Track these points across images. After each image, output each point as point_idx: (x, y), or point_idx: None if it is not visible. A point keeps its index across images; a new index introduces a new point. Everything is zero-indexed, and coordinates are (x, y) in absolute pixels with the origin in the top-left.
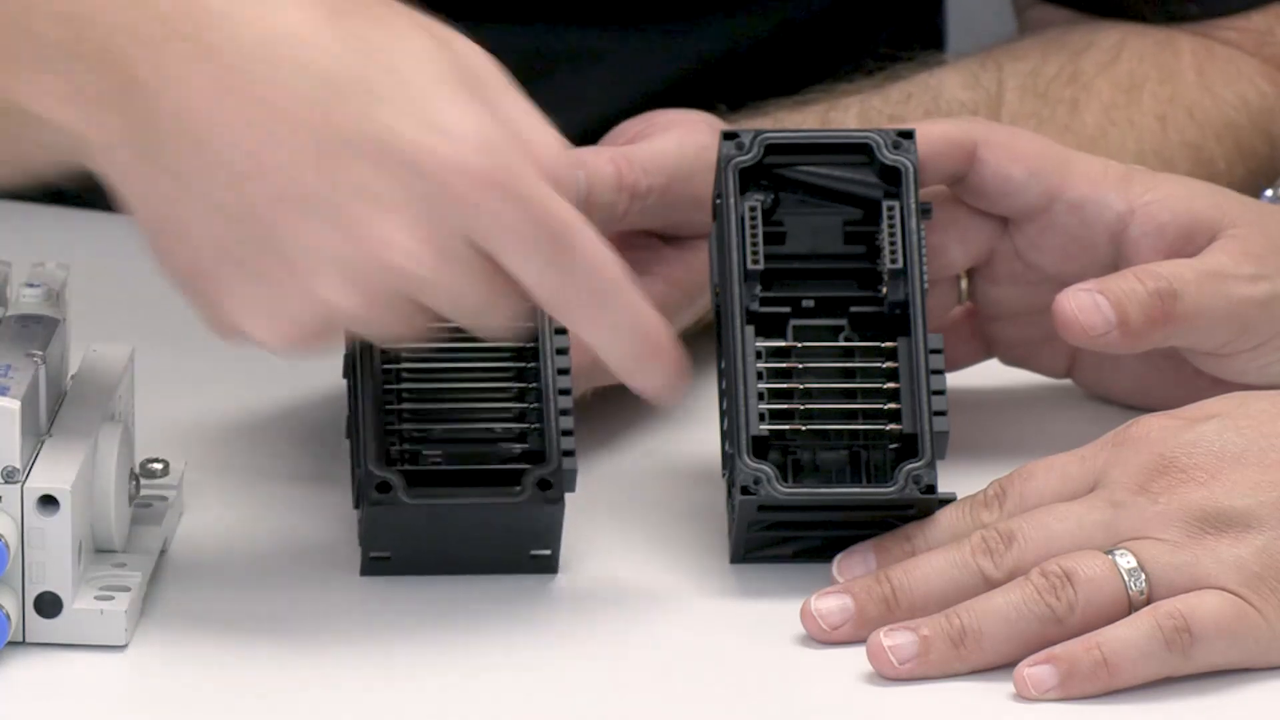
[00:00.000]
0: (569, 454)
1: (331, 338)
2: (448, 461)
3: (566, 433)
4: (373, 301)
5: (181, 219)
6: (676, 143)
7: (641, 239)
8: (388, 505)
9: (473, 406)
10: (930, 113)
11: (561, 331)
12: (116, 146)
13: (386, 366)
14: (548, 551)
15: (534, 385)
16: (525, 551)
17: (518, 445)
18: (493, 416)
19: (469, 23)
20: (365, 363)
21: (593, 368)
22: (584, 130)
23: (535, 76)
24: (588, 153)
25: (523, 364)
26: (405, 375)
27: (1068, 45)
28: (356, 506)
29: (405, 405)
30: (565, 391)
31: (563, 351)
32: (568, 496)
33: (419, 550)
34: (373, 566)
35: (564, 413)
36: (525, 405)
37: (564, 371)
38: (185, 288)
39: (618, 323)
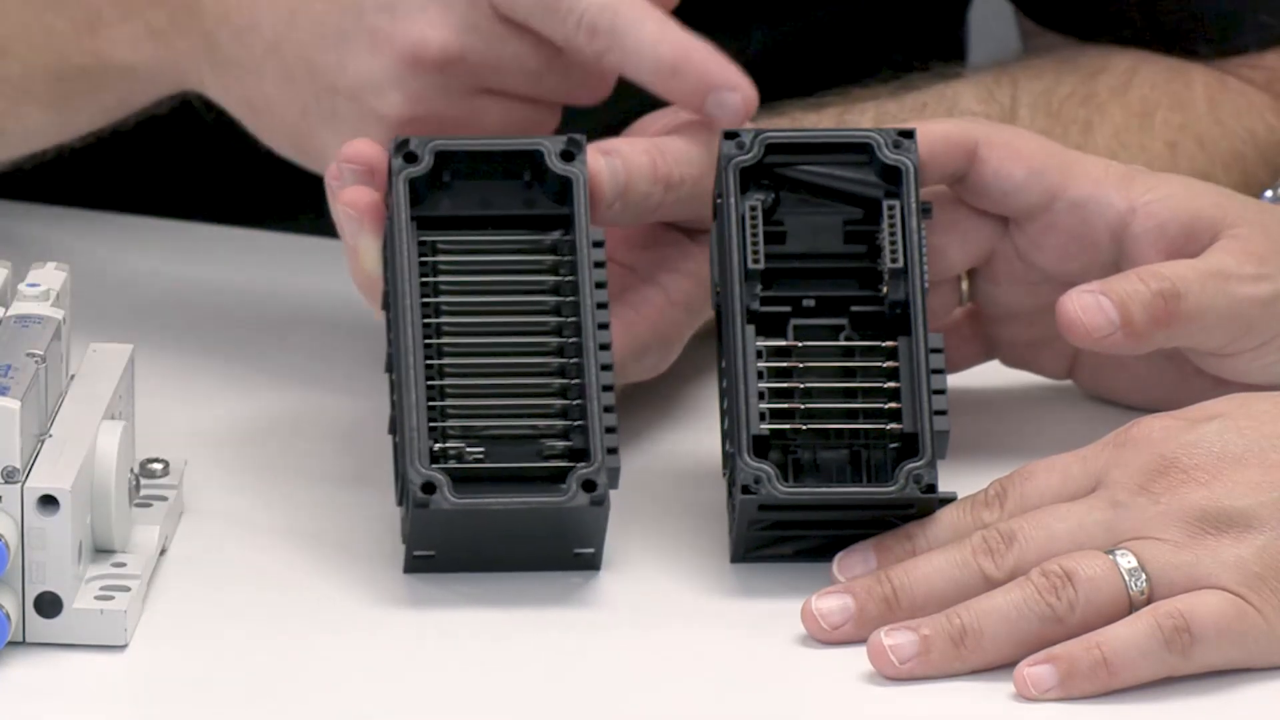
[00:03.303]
0: (613, 451)
1: (425, 131)
2: (491, 460)
3: (610, 430)
4: (435, 99)
5: (265, 100)
6: (706, 134)
7: (669, 235)
8: (433, 507)
9: (516, 404)
10: None
11: (604, 327)
12: (197, 64)
13: (429, 363)
14: (591, 549)
15: (577, 381)
16: (569, 550)
17: (561, 443)
18: (536, 414)
19: None
20: (408, 359)
21: None
22: (609, 124)
23: None
24: (622, 143)
25: (565, 360)
26: (448, 372)
27: (1081, 66)
28: (400, 504)
29: (449, 402)
30: (608, 388)
31: (605, 347)
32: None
33: (463, 549)
34: (417, 564)
35: (608, 410)
36: (568, 402)
37: (607, 368)
38: (291, 153)
39: (639, 46)
